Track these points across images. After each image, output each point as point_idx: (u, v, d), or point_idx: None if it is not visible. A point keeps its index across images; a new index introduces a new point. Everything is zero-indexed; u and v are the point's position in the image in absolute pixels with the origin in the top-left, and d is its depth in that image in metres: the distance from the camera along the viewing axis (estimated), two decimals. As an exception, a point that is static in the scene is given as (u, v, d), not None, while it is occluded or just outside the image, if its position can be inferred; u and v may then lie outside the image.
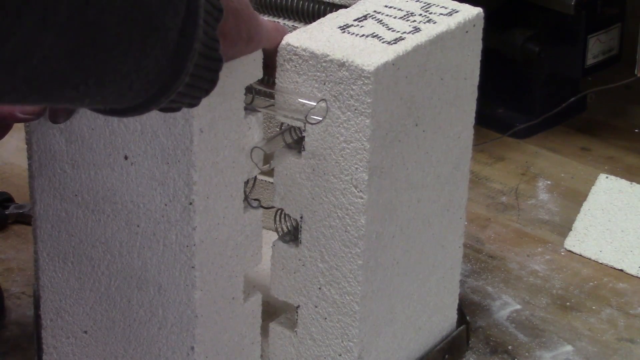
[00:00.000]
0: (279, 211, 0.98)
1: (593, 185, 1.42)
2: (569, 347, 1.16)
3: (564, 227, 1.37)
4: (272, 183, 0.97)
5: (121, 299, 0.95)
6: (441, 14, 0.99)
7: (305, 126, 0.93)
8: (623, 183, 1.42)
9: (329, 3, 1.08)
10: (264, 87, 0.93)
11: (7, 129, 0.91)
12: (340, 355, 0.99)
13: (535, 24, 1.58)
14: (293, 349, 1.01)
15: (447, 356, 1.13)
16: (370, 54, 0.91)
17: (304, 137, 0.94)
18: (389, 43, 0.93)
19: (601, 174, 1.44)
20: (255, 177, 0.95)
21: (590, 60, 1.61)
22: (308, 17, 1.08)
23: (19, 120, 0.90)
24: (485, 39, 1.03)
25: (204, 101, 0.75)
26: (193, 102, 0.73)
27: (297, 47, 0.92)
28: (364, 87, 0.90)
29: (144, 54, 0.65)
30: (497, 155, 1.55)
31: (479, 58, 1.03)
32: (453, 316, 1.13)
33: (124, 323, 0.96)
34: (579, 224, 1.36)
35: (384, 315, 1.01)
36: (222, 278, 0.93)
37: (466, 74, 1.02)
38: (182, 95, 0.70)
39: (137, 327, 0.95)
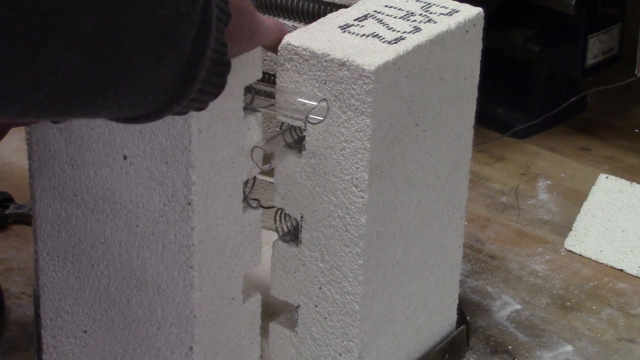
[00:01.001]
0: (279, 211, 0.98)
1: (593, 185, 1.42)
2: (569, 347, 1.16)
3: (564, 227, 1.37)
4: (272, 183, 0.97)
5: (120, 299, 0.95)
6: (441, 13, 0.99)
7: (305, 126, 0.93)
8: (623, 183, 1.42)
9: (329, 3, 1.08)
10: (264, 87, 0.93)
11: (5, 130, 0.90)
12: (340, 355, 0.99)
13: (535, 24, 1.58)
14: (293, 348, 1.01)
15: (447, 356, 1.13)
16: (370, 54, 0.90)
17: (304, 136, 0.94)
18: (389, 43, 0.93)
19: (601, 174, 1.44)
20: (255, 177, 0.95)
21: (590, 60, 1.61)
22: (308, 17, 1.08)
23: (18, 124, 0.90)
24: (485, 39, 1.03)
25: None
26: (201, 107, 0.74)
27: (297, 47, 0.92)
28: (365, 87, 0.90)
29: (159, 66, 0.65)
30: (497, 155, 1.55)
31: (479, 58, 1.03)
32: (453, 316, 1.13)
33: (123, 323, 0.96)
34: (579, 224, 1.36)
35: (384, 315, 1.01)
36: (221, 278, 0.93)
37: (466, 73, 1.02)
38: (192, 100, 0.71)
39: (136, 327, 0.95)
